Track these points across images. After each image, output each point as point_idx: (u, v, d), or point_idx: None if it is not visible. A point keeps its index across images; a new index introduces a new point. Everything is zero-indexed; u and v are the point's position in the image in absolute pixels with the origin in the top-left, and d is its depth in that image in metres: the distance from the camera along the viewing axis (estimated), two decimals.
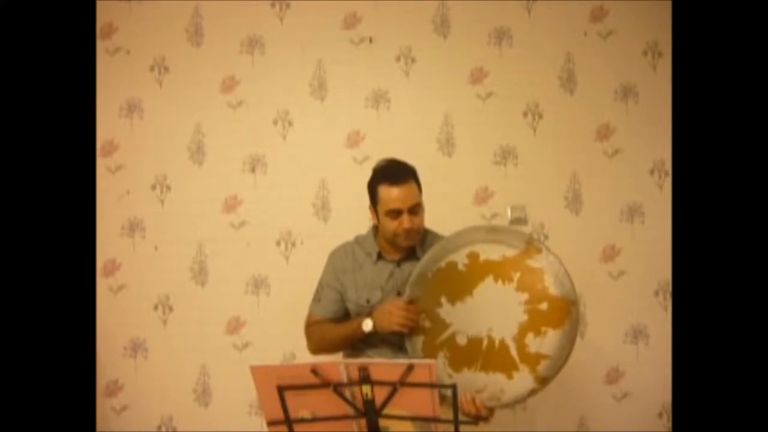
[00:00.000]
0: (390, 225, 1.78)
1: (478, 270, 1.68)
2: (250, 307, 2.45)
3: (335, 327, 1.86)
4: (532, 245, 1.69)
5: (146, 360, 2.46)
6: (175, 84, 2.49)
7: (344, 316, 1.90)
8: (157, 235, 2.47)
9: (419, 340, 1.69)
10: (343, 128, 2.47)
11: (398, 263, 1.86)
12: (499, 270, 1.68)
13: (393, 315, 1.67)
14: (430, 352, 1.66)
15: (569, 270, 1.68)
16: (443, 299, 1.68)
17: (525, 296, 1.66)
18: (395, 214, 1.76)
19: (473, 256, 1.69)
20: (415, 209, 1.77)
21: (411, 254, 1.85)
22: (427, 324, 1.68)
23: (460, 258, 1.70)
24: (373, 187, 1.82)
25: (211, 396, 2.45)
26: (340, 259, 1.92)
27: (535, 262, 1.67)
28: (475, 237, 1.71)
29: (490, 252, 1.69)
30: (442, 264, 1.70)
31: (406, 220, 1.74)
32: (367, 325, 1.73)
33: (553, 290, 1.65)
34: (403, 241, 1.79)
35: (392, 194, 1.75)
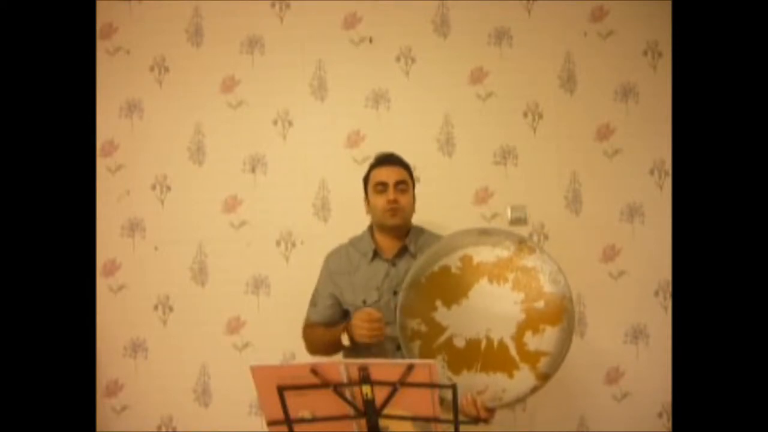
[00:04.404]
0: (378, 200, 1.87)
1: (472, 272, 1.69)
2: (250, 307, 2.45)
3: (323, 333, 1.88)
4: (524, 245, 1.70)
5: (146, 360, 2.46)
6: (175, 84, 2.49)
7: (340, 319, 1.91)
8: (157, 235, 2.47)
9: (416, 345, 1.68)
10: (343, 128, 2.47)
11: (393, 262, 1.87)
12: (493, 271, 1.69)
13: (358, 328, 1.69)
14: (427, 357, 1.65)
15: (570, 270, 1.69)
16: (438, 303, 1.69)
17: (521, 296, 1.67)
18: (382, 187, 1.87)
19: (466, 259, 1.70)
20: (402, 186, 1.88)
21: (405, 252, 1.88)
22: (423, 328, 1.68)
23: (453, 261, 1.70)
24: (366, 175, 1.95)
25: (211, 396, 2.45)
26: (335, 261, 1.95)
27: (528, 262, 1.69)
28: (467, 240, 1.72)
29: (483, 254, 1.70)
30: (435, 268, 1.70)
31: (391, 192, 1.85)
32: (345, 339, 1.76)
33: (548, 288, 1.67)
34: (389, 218, 1.85)
35: (381, 171, 1.91)
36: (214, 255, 2.46)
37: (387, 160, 1.94)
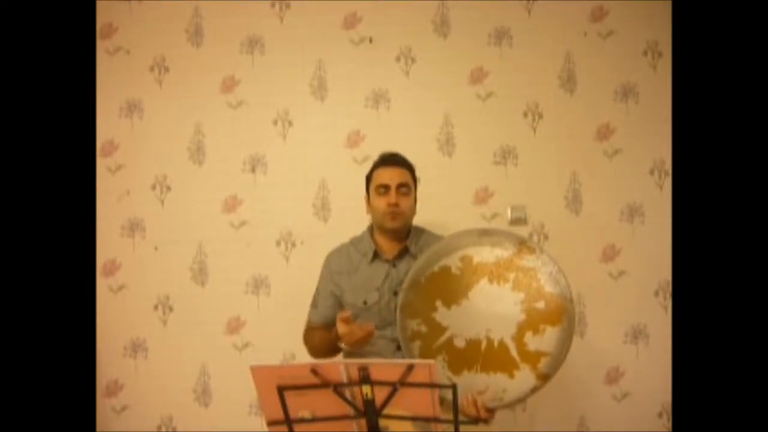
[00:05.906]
0: (379, 203, 1.85)
1: (473, 272, 1.69)
2: (250, 307, 2.45)
3: (321, 337, 1.88)
4: (524, 245, 1.70)
5: (146, 360, 2.46)
6: (175, 84, 2.49)
7: None
8: (157, 235, 2.47)
9: (416, 345, 1.69)
10: (343, 128, 2.47)
11: (394, 263, 1.87)
12: (493, 271, 1.69)
13: (343, 336, 1.69)
14: (427, 357, 1.65)
15: (570, 270, 1.69)
16: (438, 303, 1.69)
17: (521, 296, 1.68)
18: (383, 189, 1.85)
19: (466, 260, 1.71)
20: (403, 189, 1.86)
21: (405, 253, 1.87)
22: (423, 329, 1.68)
23: (453, 262, 1.71)
24: (369, 174, 1.93)
25: (211, 396, 2.45)
26: (335, 261, 1.94)
27: (528, 262, 1.69)
28: (468, 240, 1.72)
29: (483, 254, 1.71)
30: (435, 268, 1.71)
31: (392, 195, 1.84)
32: (341, 344, 1.76)
33: (549, 288, 1.67)
34: (389, 221, 1.84)
35: (383, 172, 1.88)
36: (214, 255, 2.46)
37: (390, 160, 1.91)
